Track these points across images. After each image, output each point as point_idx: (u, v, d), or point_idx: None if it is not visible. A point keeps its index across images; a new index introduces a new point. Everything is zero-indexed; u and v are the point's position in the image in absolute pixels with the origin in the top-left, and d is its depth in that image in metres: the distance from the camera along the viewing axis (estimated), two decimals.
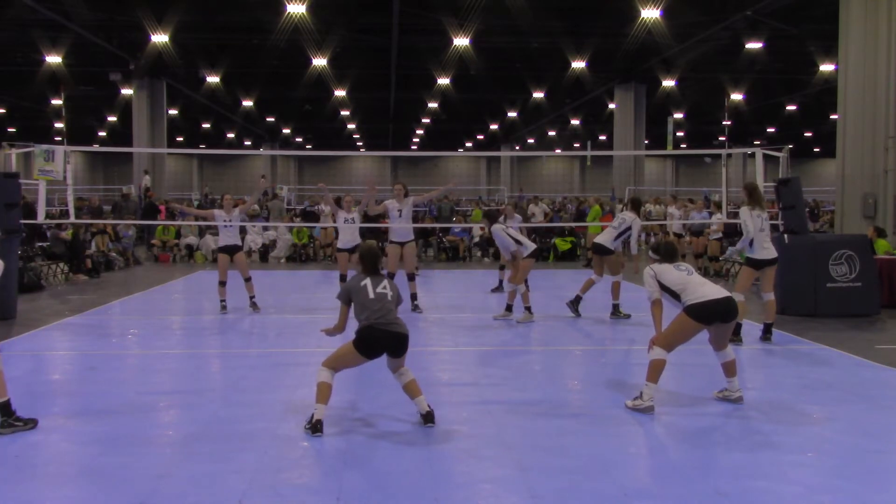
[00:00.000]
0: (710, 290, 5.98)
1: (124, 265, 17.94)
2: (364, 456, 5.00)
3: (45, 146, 11.95)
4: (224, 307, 11.05)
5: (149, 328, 10.12)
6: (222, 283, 11.08)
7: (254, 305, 11.16)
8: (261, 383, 6.96)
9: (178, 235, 20.23)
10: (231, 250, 11.14)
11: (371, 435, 5.44)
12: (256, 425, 5.62)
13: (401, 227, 11.18)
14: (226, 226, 11.10)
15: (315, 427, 5.37)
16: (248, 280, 11.21)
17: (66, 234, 15.40)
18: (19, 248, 11.97)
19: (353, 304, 5.71)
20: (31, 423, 5.55)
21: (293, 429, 5.55)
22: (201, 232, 20.39)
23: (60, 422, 5.78)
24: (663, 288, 6.17)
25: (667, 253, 6.42)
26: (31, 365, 8.01)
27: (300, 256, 20.01)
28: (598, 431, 5.54)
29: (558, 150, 53.23)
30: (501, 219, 11.18)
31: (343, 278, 11.37)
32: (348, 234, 11.54)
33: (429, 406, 5.63)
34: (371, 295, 5.61)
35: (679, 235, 17.63)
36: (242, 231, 13.89)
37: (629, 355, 8.58)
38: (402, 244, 11.17)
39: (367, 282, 5.69)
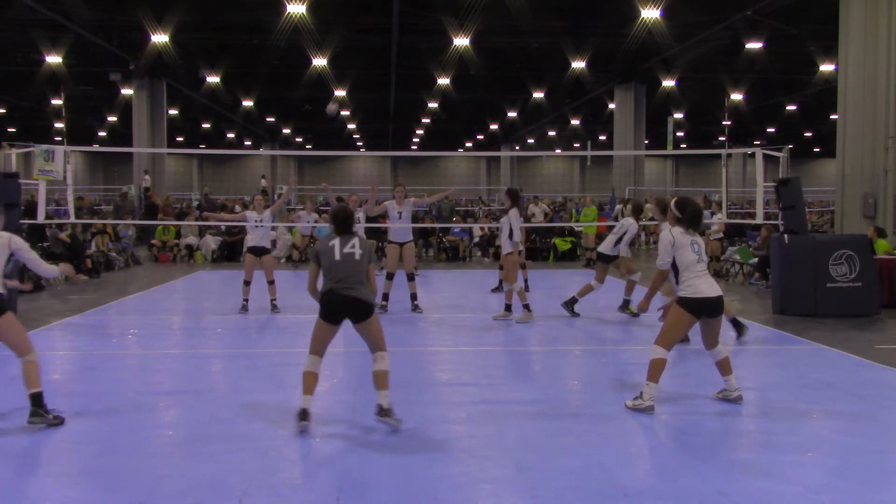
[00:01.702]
0: (706, 287, 5.93)
1: (124, 265, 17.94)
2: (364, 456, 5.00)
3: (45, 146, 11.95)
4: (245, 307, 11.09)
5: (149, 328, 10.12)
6: (247, 283, 11.14)
7: (274, 307, 11.20)
8: (261, 383, 6.97)
9: (178, 235, 20.24)
10: (259, 251, 11.23)
11: (371, 435, 5.44)
12: (256, 425, 5.62)
13: (400, 227, 11.22)
14: (256, 226, 11.18)
15: (301, 416, 5.40)
16: (271, 283, 11.27)
17: (65, 236, 15.40)
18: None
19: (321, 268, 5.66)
20: (58, 420, 5.57)
21: (293, 429, 5.55)
22: (201, 232, 20.41)
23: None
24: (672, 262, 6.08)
25: (692, 216, 6.08)
26: None
27: (301, 256, 20.00)
28: (598, 431, 5.54)
29: (558, 150, 53.21)
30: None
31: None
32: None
33: (388, 404, 5.51)
34: (337, 256, 5.55)
35: None
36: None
37: (629, 355, 8.57)
38: (401, 244, 11.20)
39: (336, 242, 5.62)
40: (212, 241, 19.99)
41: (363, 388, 6.76)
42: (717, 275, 16.29)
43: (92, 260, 15.99)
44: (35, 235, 15.79)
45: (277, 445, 5.19)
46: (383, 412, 5.48)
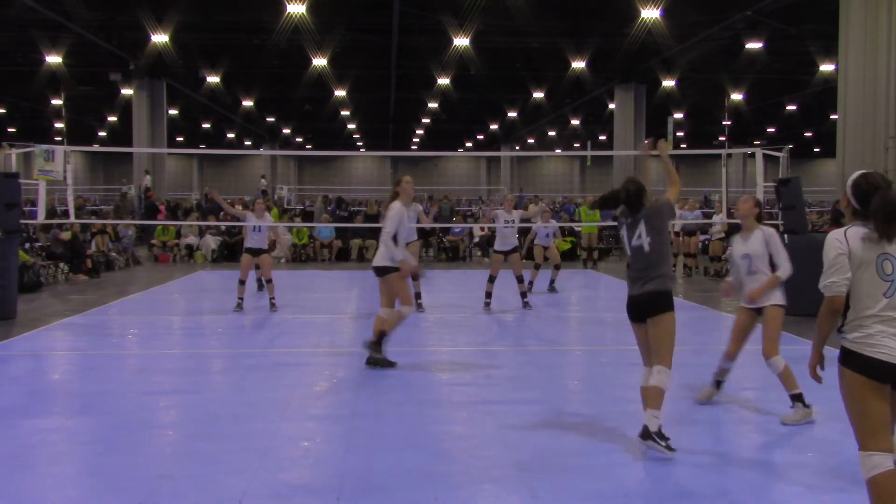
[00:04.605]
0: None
1: (124, 265, 17.94)
2: (364, 456, 5.00)
3: (45, 146, 11.97)
4: (240, 305, 11.20)
5: (149, 328, 10.12)
6: (242, 282, 11.27)
7: (272, 305, 11.32)
8: (261, 383, 6.96)
9: (178, 235, 20.25)
10: (256, 252, 11.35)
11: (371, 434, 5.44)
12: (256, 425, 5.62)
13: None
14: (255, 230, 11.29)
15: (653, 435, 4.87)
16: (269, 281, 11.43)
17: (65, 236, 15.40)
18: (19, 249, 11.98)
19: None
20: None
21: (293, 429, 5.55)
22: (201, 232, 20.41)
23: (60, 422, 5.78)
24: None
25: (889, 210, 3.47)
26: (31, 365, 8.02)
27: (300, 256, 20.03)
28: (598, 431, 5.54)
29: (558, 150, 53.20)
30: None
31: (492, 279, 11.52)
32: (508, 236, 11.62)
33: (657, 427, 4.87)
34: (627, 249, 5.09)
35: (675, 234, 17.36)
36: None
37: (629, 355, 8.56)
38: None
39: (624, 230, 5.11)
40: (212, 241, 20.00)
41: (363, 387, 6.76)
42: (718, 275, 16.27)
43: (92, 260, 16.00)
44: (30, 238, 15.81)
45: (277, 445, 5.19)
46: (647, 435, 4.84)
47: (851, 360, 3.60)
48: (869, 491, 3.46)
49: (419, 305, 11.12)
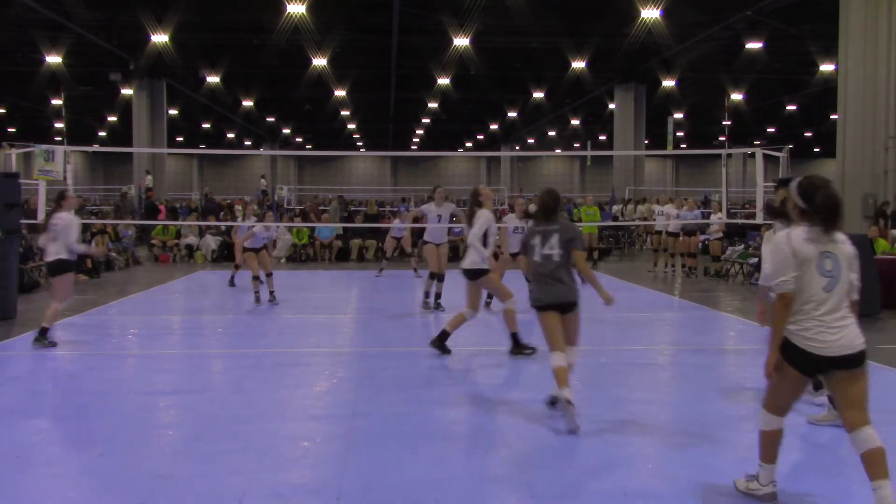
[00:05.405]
0: (835, 338, 3.91)
1: (124, 265, 17.94)
2: (364, 456, 5.00)
3: (45, 146, 11.97)
4: (258, 299, 11.66)
5: (149, 328, 10.12)
6: (255, 278, 11.75)
7: (273, 298, 11.73)
8: (261, 383, 6.96)
9: (178, 235, 20.25)
10: (257, 250, 11.88)
11: (371, 435, 5.44)
12: (256, 425, 5.62)
13: (438, 228, 11.50)
14: (264, 238, 11.97)
15: (568, 403, 5.41)
16: (269, 275, 11.87)
17: None
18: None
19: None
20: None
21: (293, 429, 5.55)
22: (201, 232, 20.41)
23: (60, 422, 5.78)
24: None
25: (827, 206, 3.87)
26: (31, 365, 8.01)
27: (300, 256, 20.04)
28: (598, 431, 5.54)
29: (558, 150, 53.24)
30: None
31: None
32: (517, 239, 11.72)
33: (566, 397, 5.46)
34: (537, 257, 5.70)
35: (675, 235, 17.30)
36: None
37: (629, 355, 8.57)
38: (437, 245, 11.47)
39: (538, 240, 5.74)
40: (212, 241, 20.00)
41: (363, 387, 6.76)
42: (718, 275, 16.26)
43: (92, 260, 15.99)
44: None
45: (277, 445, 5.19)
46: (570, 403, 5.36)
47: (790, 352, 3.94)
48: (760, 439, 4.20)
49: (438, 305, 11.15)
